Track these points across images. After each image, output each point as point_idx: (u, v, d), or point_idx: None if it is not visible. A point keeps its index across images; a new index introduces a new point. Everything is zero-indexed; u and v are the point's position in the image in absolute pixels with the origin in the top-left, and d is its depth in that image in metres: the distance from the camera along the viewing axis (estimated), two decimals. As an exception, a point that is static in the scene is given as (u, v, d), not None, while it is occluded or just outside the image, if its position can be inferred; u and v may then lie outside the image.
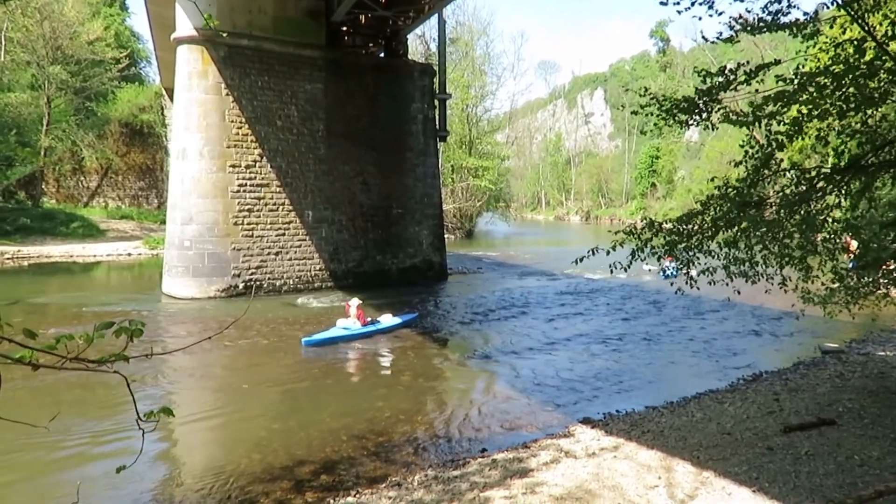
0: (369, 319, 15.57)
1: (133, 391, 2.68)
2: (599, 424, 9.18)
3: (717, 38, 8.06)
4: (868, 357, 12.78)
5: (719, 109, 8.07)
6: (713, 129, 8.52)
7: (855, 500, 5.51)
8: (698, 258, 8.54)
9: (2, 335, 2.14)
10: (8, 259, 30.11)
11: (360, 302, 15.65)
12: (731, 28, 7.83)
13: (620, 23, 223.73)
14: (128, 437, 8.66)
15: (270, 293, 21.44)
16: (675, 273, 8.74)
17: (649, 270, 25.32)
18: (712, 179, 8.73)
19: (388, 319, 16.12)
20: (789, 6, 7.52)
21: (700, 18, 8.47)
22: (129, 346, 2.44)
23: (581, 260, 8.13)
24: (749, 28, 7.74)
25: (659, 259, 8.44)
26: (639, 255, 8.12)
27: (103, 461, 8.10)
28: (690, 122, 8.24)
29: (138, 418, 2.67)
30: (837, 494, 5.89)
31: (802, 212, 8.11)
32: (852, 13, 7.02)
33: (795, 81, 7.49)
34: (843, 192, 8.45)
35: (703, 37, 8.52)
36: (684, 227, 8.31)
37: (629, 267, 8.18)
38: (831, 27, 11.73)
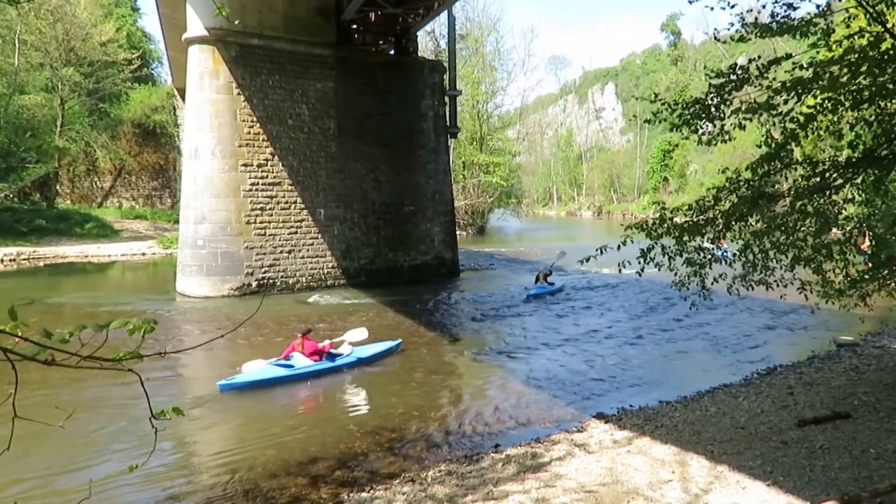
0: (547, 281, 21.63)
1: (147, 389, 2.71)
2: (613, 419, 9.17)
3: (730, 39, 8.03)
4: (884, 350, 12.67)
5: (733, 112, 8.01)
6: (728, 141, 8.36)
7: (871, 494, 5.47)
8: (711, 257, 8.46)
9: (18, 334, 2.17)
10: (24, 259, 30.46)
11: (540, 272, 22.04)
12: (743, 27, 7.79)
13: (631, 17, 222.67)
14: (141, 434, 8.73)
15: (283, 291, 21.54)
16: (727, 255, 8.69)
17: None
18: (724, 171, 8.64)
19: (554, 283, 21.93)
20: (801, -1, 7.47)
21: (712, 8, 8.47)
22: (142, 344, 2.47)
23: (587, 259, 7.95)
24: (760, 29, 7.69)
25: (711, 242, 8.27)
26: (650, 257, 7.99)
27: (117, 458, 8.17)
28: (702, 128, 8.21)
29: (152, 416, 2.71)
30: (853, 488, 5.85)
31: (815, 204, 8.04)
32: (867, 7, 6.95)
33: (810, 71, 7.44)
34: (857, 184, 8.37)
35: (715, 37, 8.50)
36: (695, 219, 8.22)
37: (642, 271, 8.05)
38: (848, 26, 11.62)
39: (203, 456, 8.56)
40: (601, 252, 7.65)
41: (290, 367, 11.56)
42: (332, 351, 12.20)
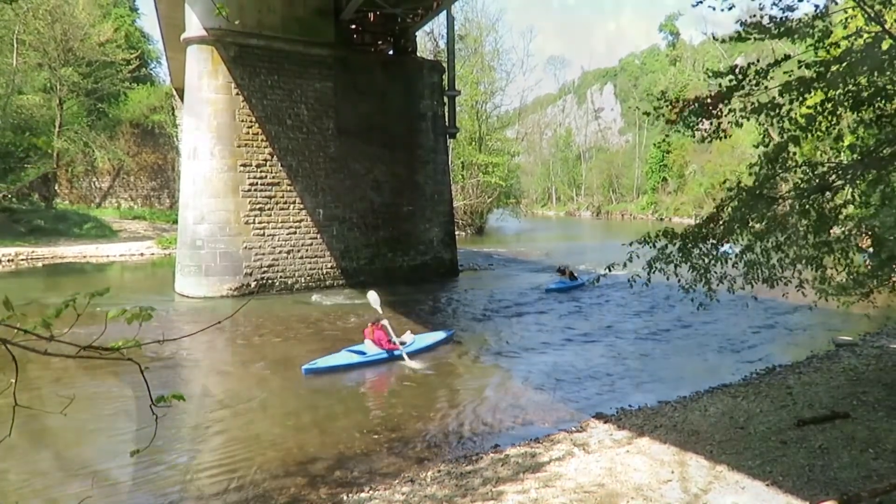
0: (571, 277, 22.81)
1: (147, 379, 2.73)
2: (612, 419, 9.16)
3: (728, 39, 8.07)
4: (882, 350, 12.68)
5: (730, 111, 8.04)
6: (725, 138, 8.52)
7: (870, 494, 5.47)
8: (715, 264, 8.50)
9: (19, 326, 2.17)
10: (23, 260, 30.40)
11: (566, 268, 23.21)
12: (743, 28, 7.81)
13: (630, 17, 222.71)
14: (142, 428, 8.71)
15: (282, 291, 21.52)
16: (732, 252, 8.78)
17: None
18: (724, 182, 8.73)
19: (577, 279, 22.85)
20: (800, -1, 7.51)
21: (714, 9, 8.62)
22: (139, 333, 2.48)
23: (597, 280, 9.19)
24: (759, 31, 7.70)
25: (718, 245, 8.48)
26: (655, 267, 8.10)
27: (117, 454, 8.16)
28: (699, 126, 8.28)
29: (152, 403, 2.72)
30: (852, 488, 5.86)
31: (816, 205, 8.04)
32: (864, 7, 6.96)
33: (810, 71, 7.45)
34: (857, 185, 8.37)
35: (714, 37, 8.53)
36: (699, 230, 8.27)
37: (649, 281, 8.17)
38: (845, 27, 11.64)
39: (203, 456, 8.54)
40: (609, 270, 8.35)
41: (363, 353, 12.68)
42: (398, 340, 13.00)
